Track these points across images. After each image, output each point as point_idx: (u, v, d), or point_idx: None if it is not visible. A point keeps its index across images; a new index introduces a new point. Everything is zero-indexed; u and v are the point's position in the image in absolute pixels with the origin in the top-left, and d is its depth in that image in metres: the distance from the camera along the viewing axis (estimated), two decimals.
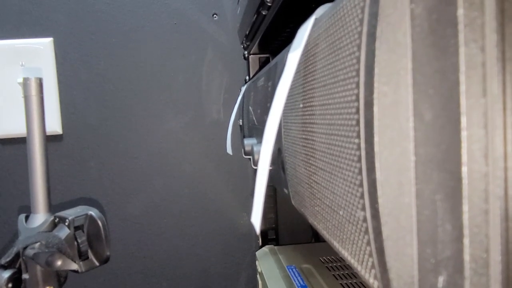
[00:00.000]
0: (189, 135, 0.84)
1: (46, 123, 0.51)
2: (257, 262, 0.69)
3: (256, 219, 0.25)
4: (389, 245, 0.15)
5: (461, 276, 0.13)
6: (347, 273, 0.58)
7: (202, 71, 0.83)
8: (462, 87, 0.13)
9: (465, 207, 0.13)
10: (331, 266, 0.61)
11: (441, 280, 0.13)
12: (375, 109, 0.15)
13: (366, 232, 0.16)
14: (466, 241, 0.13)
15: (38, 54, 0.76)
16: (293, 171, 0.30)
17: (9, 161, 0.79)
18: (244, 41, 0.72)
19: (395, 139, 0.15)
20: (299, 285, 0.55)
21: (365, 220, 0.16)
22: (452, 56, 0.13)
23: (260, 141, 0.44)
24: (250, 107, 0.54)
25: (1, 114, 0.76)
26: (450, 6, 0.13)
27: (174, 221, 0.85)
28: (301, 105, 0.26)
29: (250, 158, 0.45)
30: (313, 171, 0.24)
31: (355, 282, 0.55)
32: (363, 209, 0.16)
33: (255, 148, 0.40)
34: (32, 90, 0.49)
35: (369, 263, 0.17)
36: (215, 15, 0.82)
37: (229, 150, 0.69)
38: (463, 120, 0.13)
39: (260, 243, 0.81)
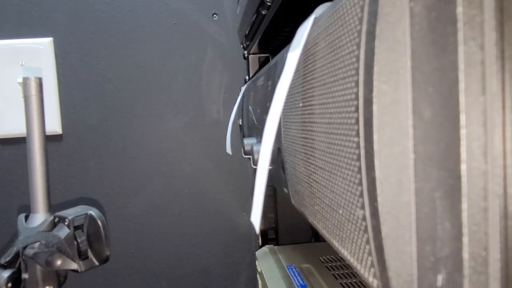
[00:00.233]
0: (189, 135, 0.84)
1: (46, 123, 0.51)
2: (257, 262, 0.69)
3: (256, 218, 0.25)
4: (388, 244, 0.15)
5: (460, 274, 0.13)
6: (346, 273, 0.58)
7: (202, 71, 0.83)
8: (461, 85, 0.13)
9: (464, 205, 0.13)
10: (331, 266, 0.61)
11: (440, 278, 0.13)
12: (375, 107, 0.15)
13: (366, 230, 0.16)
14: (465, 239, 0.13)
15: (38, 54, 0.76)
16: (292, 170, 0.30)
17: (9, 161, 0.79)
18: (244, 41, 0.72)
19: (394, 137, 0.15)
20: (299, 284, 0.55)
21: (364, 218, 0.16)
22: (451, 54, 0.13)
23: (259, 141, 0.44)
24: (249, 107, 0.54)
25: (1, 114, 0.76)
26: (449, 4, 0.13)
27: (174, 221, 0.85)
28: (300, 104, 0.26)
29: (249, 158, 0.45)
30: (312, 170, 0.24)
31: (355, 282, 0.55)
32: (363, 207, 0.16)
33: (254, 148, 0.40)
34: (32, 90, 0.49)
35: (369, 262, 0.17)
36: (215, 15, 0.82)
37: (228, 150, 0.68)
38: (462, 118, 0.13)
39: (260, 243, 0.81)
